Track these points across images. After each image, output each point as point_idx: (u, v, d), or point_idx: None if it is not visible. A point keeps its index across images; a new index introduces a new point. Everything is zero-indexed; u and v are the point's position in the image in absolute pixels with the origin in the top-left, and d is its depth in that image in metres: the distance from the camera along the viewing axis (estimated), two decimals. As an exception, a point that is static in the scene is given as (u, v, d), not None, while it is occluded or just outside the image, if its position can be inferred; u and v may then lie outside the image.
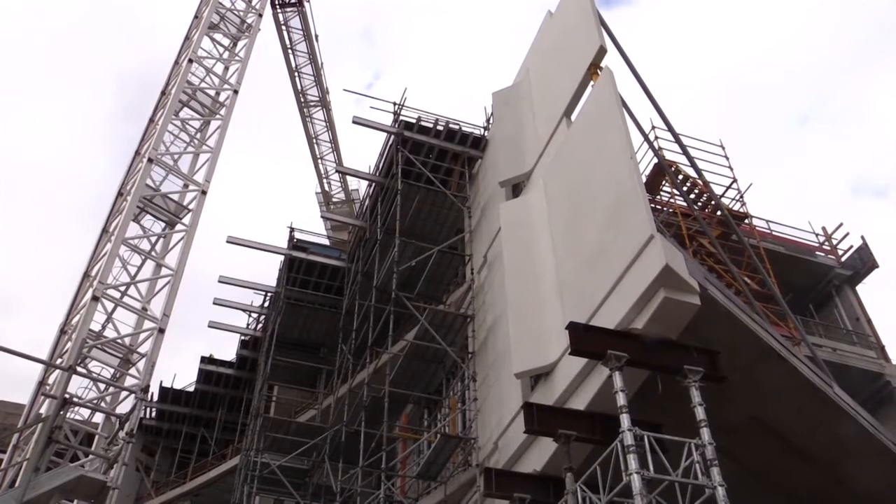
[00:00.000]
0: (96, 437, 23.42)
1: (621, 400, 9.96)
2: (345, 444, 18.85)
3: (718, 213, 21.15)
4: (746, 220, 22.35)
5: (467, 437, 16.09)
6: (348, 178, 44.51)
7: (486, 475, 13.34)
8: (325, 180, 47.00)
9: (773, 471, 13.07)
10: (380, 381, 18.20)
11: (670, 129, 17.52)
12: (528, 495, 12.40)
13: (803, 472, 12.89)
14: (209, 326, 31.04)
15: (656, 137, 20.78)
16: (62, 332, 24.35)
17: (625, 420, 9.74)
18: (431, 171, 21.34)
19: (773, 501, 13.24)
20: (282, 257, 26.48)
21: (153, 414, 34.17)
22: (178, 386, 33.90)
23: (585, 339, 10.98)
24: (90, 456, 20.42)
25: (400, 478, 19.33)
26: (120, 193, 25.96)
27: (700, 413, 9.88)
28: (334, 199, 47.51)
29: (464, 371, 17.40)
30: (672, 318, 10.80)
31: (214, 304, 29.56)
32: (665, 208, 21.63)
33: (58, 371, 20.90)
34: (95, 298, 22.39)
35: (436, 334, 17.27)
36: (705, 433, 9.63)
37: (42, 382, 22.84)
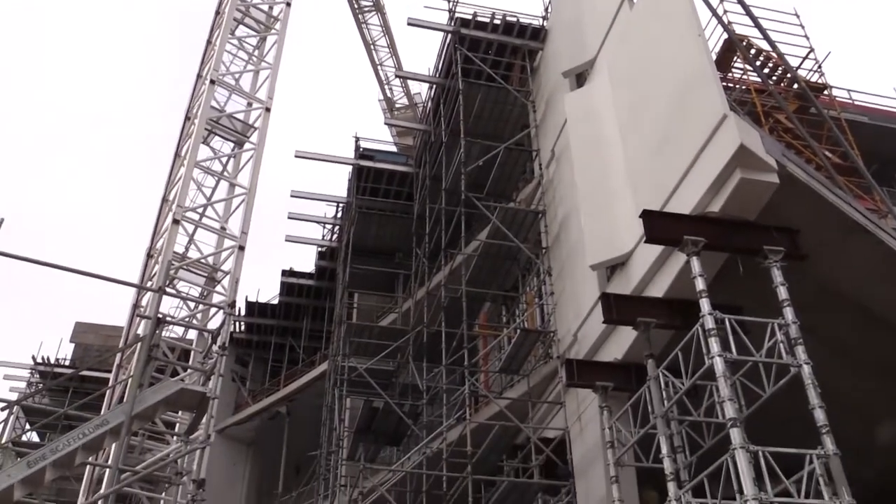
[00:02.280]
0: (192, 352, 24.62)
1: (700, 285, 9.87)
2: (427, 345, 19.32)
3: (795, 86, 20.19)
4: (825, 92, 21.28)
5: (546, 330, 16.28)
6: (409, 82, 44.07)
7: (567, 366, 13.56)
8: (386, 87, 46.61)
9: (860, 346, 12.88)
10: (456, 282, 18.43)
11: (740, 0, 16.61)
12: (609, 383, 12.58)
13: (891, 345, 12.65)
14: (286, 241, 31.78)
15: (725, 11, 19.71)
16: (149, 256, 25.36)
17: (704, 304, 9.67)
18: (492, 68, 20.89)
19: (860, 377, 13.08)
20: (350, 167, 26.66)
21: (242, 327, 35.60)
22: (262, 300, 35.13)
23: (660, 226, 10.83)
24: (188, 370, 21.55)
25: (483, 373, 19.79)
26: (187, 118, 26.35)
27: (782, 293, 9.72)
28: (397, 105, 47.21)
29: (539, 266, 17.46)
30: (749, 199, 10.52)
31: (289, 218, 30.13)
32: (737, 86, 20.75)
33: (149, 293, 21.87)
34: (176, 222, 23.14)
35: (508, 232, 17.29)
36: (788, 312, 9.50)
37: (136, 305, 24.01)
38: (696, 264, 10.08)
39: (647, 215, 10.95)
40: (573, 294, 15.58)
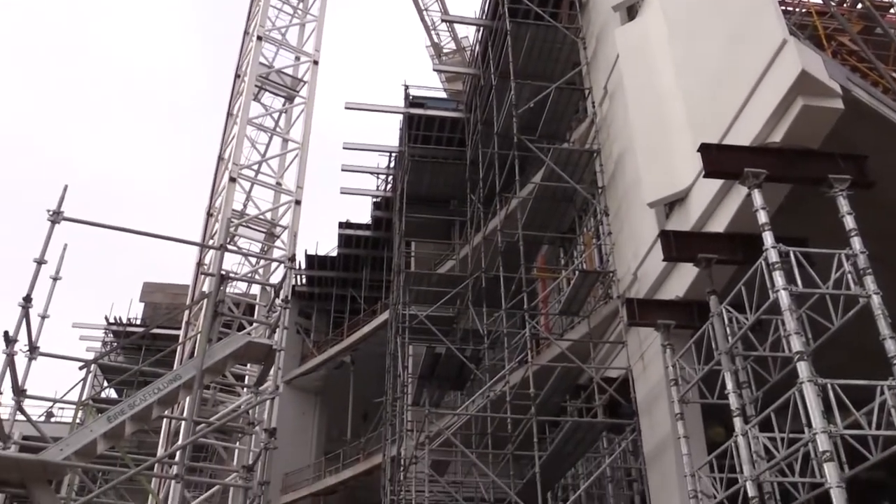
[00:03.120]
0: (256, 306, 25.21)
1: (763, 218, 9.63)
2: (486, 290, 19.38)
3: (859, 5, 19.26)
4: (892, 10, 20.27)
5: (605, 270, 16.16)
6: (456, 26, 43.39)
7: (627, 305, 13.48)
8: (432, 32, 45.97)
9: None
10: (512, 226, 18.36)
11: (797, -83, 15.84)
12: (671, 321, 12.48)
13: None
14: (341, 193, 32.02)
15: (782, -70, 18.85)
16: (209, 215, 25.86)
17: (768, 238, 9.45)
18: (539, 6, 20.39)
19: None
20: (401, 116, 26.57)
21: (303, 280, 36.25)
22: (321, 253, 35.65)
23: (719, 160, 10.55)
24: (254, 324, 22.08)
25: (543, 316, 19.81)
26: (237, 76, 26.53)
27: (849, 222, 9.42)
28: (445, 51, 46.59)
29: (595, 207, 17.26)
30: (813, 127, 10.16)
31: (343, 170, 30.29)
32: (797, 9, 19.90)
33: (212, 251, 22.37)
34: (233, 180, 23.48)
35: (562, 173, 17.08)
36: (856, 242, 9.22)
37: (200, 263, 24.60)
38: (757, 197, 9.82)
39: (705, 149, 10.67)
40: (631, 233, 15.39)
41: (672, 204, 13.46)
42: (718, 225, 11.71)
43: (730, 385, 10.30)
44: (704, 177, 11.04)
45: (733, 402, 10.16)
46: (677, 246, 11.58)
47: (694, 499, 10.86)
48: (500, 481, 16.27)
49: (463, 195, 23.86)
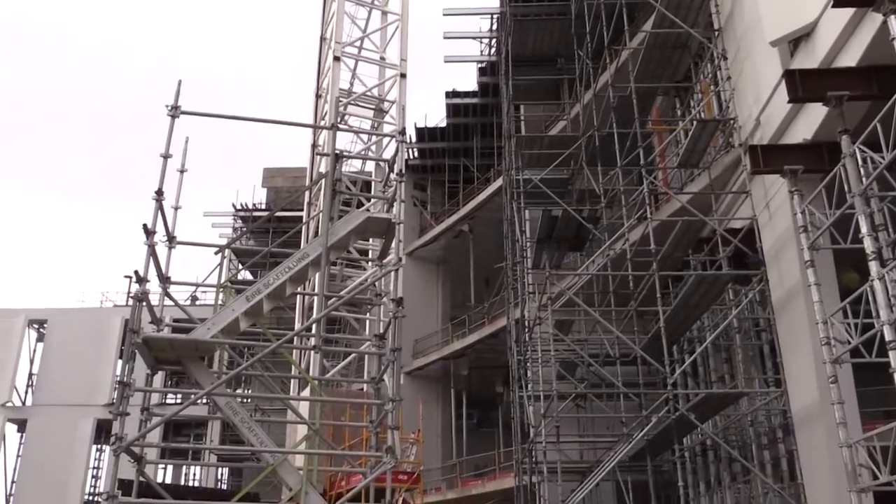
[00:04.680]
0: (372, 182, 25.73)
1: (900, 46, 8.84)
2: (600, 148, 18.96)
3: None
4: None
5: (725, 118, 15.45)
6: None
7: (751, 153, 12.94)
8: None
9: None
10: (623, 80, 17.67)
11: None
12: (799, 166, 11.91)
13: None
14: (445, 62, 31.58)
15: None
16: (317, 96, 26.15)
17: (906, 67, 8.71)
18: None
19: None
20: (500, -25, 25.55)
21: (415, 154, 36.54)
22: (430, 124, 35.63)
23: (850, -15, 9.68)
24: (371, 199, 22.59)
25: (661, 170, 19.31)
26: (331, -50, 26.00)
27: None
28: None
29: (712, 51, 16.32)
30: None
31: (445, 38, 29.76)
32: None
33: (324, 131, 22.75)
34: (336, 59, 23.49)
35: (675, 18, 16.13)
36: None
37: (314, 144, 25.12)
38: (894, 24, 8.99)
39: (833, -25, 9.79)
40: (752, 76, 14.53)
41: (796, 41, 12.55)
42: (850, 59, 10.86)
43: (864, 228, 9.82)
44: (833, 6, 10.19)
45: (868, 245, 9.72)
46: (804, 85, 10.87)
47: (826, 345, 10.65)
48: (624, 337, 16.44)
49: (570, 52, 22.98)
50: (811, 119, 11.98)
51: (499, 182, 27.94)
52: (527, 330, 19.18)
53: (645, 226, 15.95)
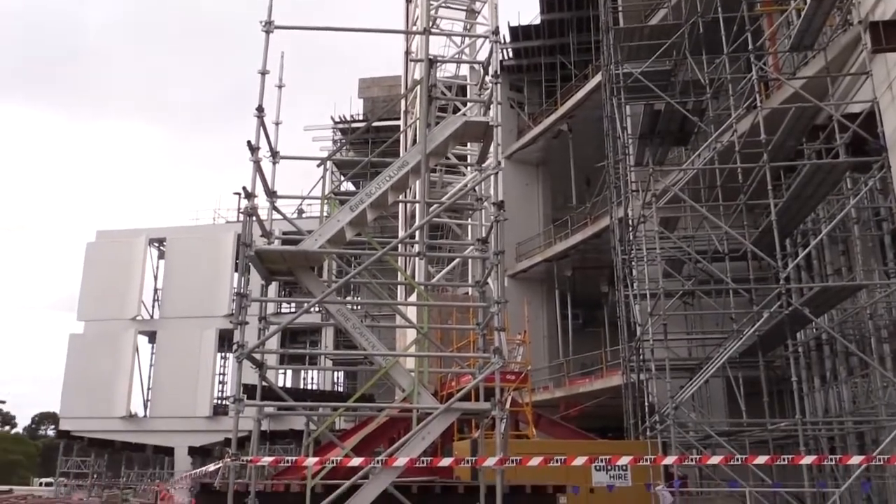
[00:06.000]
0: (467, 86, 25.41)
1: None
2: (704, 36, 18.03)
3: None
4: None
5: (842, -7, 14.38)
6: None
7: (872, 30, 12.07)
8: None
9: None
10: (729, -40, 16.60)
11: None
12: (927, 40, 11.03)
13: None
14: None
15: None
16: (407, 1, 25.74)
17: None
18: None
19: None
20: None
21: (510, 54, 35.76)
22: (524, 22, 34.66)
23: None
24: (468, 104, 22.35)
25: (771, 55, 18.27)
26: None
27: None
28: None
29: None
30: None
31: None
32: None
33: (416, 37, 22.47)
34: (425, -41, 22.90)
35: None
36: None
37: (407, 51, 24.94)
38: None
39: None
40: (874, -57, 13.37)
41: None
42: None
43: None
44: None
45: None
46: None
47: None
48: (733, 232, 15.99)
49: (669, -67, 21.68)
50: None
51: (597, 78, 27.10)
52: (631, 229, 18.90)
53: (754, 115, 15.25)
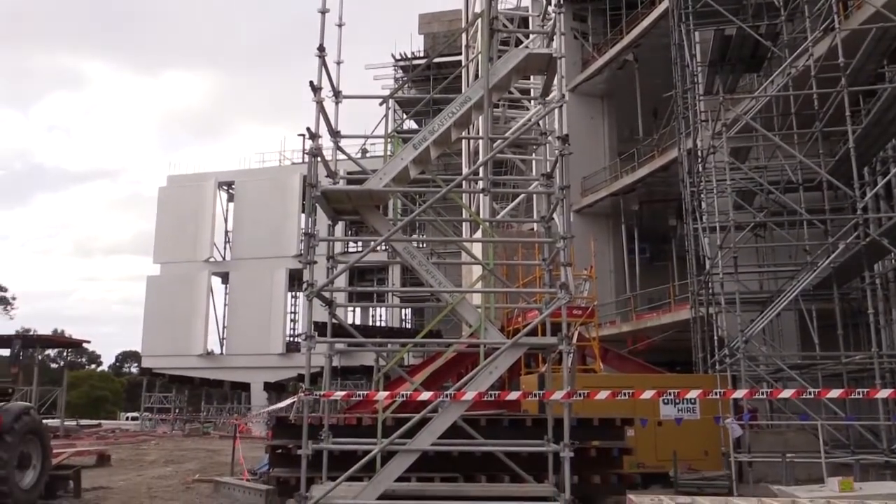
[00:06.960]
0: (529, 17, 24.86)
1: None
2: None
3: None
4: None
5: None
6: None
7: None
8: None
9: None
10: None
11: None
12: None
13: None
14: None
15: None
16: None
17: None
18: None
19: None
20: None
21: (573, -18, 34.67)
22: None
23: None
24: (530, 36, 21.90)
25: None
26: None
27: None
28: None
29: None
30: None
31: None
32: None
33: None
34: None
35: None
36: None
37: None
38: None
39: None
40: None
41: None
42: None
43: None
44: None
45: None
46: None
47: None
48: (808, 161, 15.47)
49: None
50: None
51: (665, 4, 26.13)
52: (700, 160, 18.45)
53: (832, 37, 14.58)
